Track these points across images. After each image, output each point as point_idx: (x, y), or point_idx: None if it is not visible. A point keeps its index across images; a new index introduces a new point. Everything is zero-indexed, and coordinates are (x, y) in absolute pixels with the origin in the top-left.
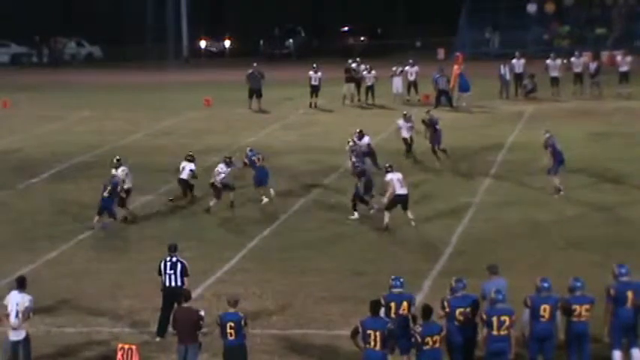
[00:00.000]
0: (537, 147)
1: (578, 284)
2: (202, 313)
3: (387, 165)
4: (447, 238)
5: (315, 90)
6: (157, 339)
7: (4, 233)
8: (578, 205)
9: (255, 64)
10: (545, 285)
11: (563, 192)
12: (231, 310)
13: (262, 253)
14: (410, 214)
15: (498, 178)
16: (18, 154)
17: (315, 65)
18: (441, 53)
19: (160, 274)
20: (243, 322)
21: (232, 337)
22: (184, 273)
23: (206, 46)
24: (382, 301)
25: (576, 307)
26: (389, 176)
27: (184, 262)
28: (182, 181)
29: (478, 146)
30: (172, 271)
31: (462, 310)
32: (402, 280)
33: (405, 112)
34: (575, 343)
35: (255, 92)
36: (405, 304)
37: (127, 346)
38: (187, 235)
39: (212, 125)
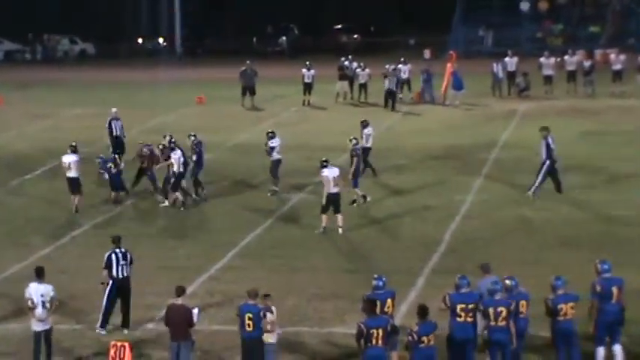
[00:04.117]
0: (531, 145)
1: (559, 282)
2: (195, 310)
3: (323, 160)
4: (440, 236)
5: (308, 88)
6: (103, 332)
7: None
8: (570, 204)
9: (248, 62)
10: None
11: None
12: (251, 302)
13: (255, 250)
14: (340, 220)
15: (491, 176)
16: (11, 151)
17: (308, 63)
18: (427, 53)
19: (106, 267)
20: (261, 314)
21: (250, 329)
22: (132, 262)
23: (143, 44)
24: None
25: (562, 306)
26: (324, 172)
27: (130, 251)
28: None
29: (471, 144)
30: (125, 262)
31: (463, 306)
32: (384, 279)
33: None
34: (562, 341)
35: (249, 90)
36: (389, 301)
37: (119, 343)
38: (180, 233)
39: (204, 123)
